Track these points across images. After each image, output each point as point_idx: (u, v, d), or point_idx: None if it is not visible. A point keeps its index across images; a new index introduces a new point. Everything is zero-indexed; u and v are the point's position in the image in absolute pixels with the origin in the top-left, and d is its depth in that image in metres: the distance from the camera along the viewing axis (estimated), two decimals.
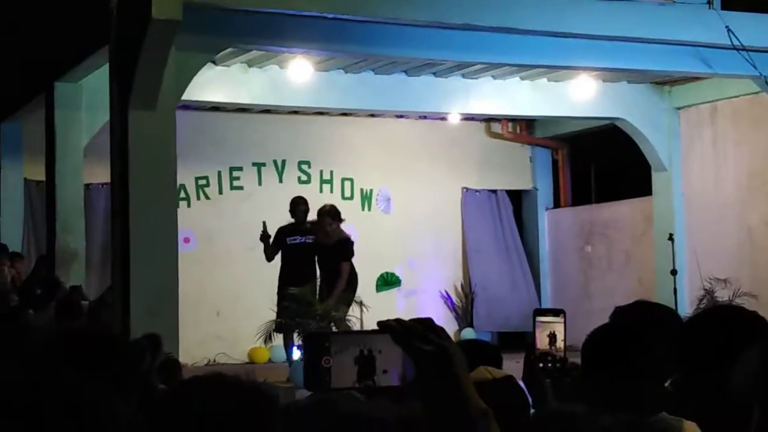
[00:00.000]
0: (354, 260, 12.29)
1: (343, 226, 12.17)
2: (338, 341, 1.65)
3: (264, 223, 12.18)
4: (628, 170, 15.42)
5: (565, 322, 3.28)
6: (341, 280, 11.68)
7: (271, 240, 12.29)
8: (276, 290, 12.05)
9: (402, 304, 15.42)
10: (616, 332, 3.11)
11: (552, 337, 3.27)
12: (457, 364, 1.67)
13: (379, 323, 1.66)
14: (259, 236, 12.25)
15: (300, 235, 12.23)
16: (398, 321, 1.67)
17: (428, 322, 1.69)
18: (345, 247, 12.03)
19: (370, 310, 12.14)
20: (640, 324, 3.21)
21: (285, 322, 11.44)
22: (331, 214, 12.09)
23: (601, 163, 16.23)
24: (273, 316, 11.78)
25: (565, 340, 3.26)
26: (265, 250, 12.34)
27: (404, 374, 1.65)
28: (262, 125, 15.01)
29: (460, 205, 16.25)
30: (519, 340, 14.17)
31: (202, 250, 14.59)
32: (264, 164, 15.17)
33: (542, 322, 3.30)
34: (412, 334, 1.65)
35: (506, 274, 16.19)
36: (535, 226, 16.66)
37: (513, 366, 4.68)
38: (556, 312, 3.32)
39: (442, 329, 1.69)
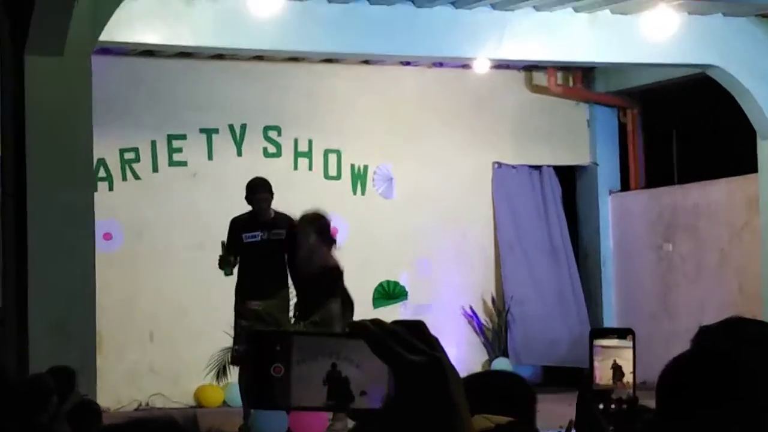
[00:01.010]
0: (344, 270, 12.26)
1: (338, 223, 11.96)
2: (302, 348, 1.65)
3: (223, 243, 11.92)
4: (725, 137, 15.43)
5: (634, 347, 3.29)
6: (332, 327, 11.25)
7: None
8: (233, 305, 11.96)
9: None
10: (704, 362, 3.11)
11: (617, 368, 3.28)
12: (453, 383, 1.68)
13: (351, 324, 1.67)
14: (218, 261, 11.92)
15: (261, 230, 12.00)
16: (376, 322, 1.68)
17: (419, 326, 1.71)
18: (331, 280, 11.71)
19: None
20: (734, 348, 3.21)
21: (243, 350, 11.34)
22: (315, 225, 11.73)
23: (687, 129, 16.25)
24: (228, 341, 11.78)
25: (634, 372, 3.27)
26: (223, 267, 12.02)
27: (389, 395, 1.66)
28: (213, 77, 15.02)
29: (490, 187, 16.28)
30: (571, 375, 14.20)
31: (130, 248, 14.62)
32: (216, 131, 15.18)
33: (602, 346, 3.31)
34: (396, 339, 1.67)
35: (553, 283, 16.22)
36: (595, 215, 16.69)
37: (564, 409, 4.68)
38: (621, 333, 3.33)
39: (435, 339, 1.71)
